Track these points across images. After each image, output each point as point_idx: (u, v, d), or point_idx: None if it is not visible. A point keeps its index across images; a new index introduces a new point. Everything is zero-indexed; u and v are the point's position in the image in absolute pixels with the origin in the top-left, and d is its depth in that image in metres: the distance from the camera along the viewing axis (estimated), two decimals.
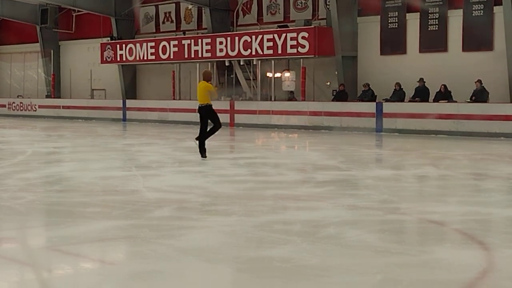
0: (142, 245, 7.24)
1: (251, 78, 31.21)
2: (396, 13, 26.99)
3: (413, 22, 26.62)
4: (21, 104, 39.90)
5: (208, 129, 15.78)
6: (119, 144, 21.45)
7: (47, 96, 40.15)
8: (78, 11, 38.08)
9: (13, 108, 40.20)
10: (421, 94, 25.12)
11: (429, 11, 26.06)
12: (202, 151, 15.65)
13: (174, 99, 33.05)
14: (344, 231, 7.91)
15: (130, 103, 34.48)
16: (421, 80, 25.20)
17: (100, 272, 6.43)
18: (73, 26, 39.42)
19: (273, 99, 29.71)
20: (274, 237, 7.68)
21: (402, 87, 25.76)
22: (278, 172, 13.77)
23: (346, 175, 13.24)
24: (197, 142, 15.69)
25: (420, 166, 15.19)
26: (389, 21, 27.20)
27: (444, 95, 24.48)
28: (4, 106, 40.76)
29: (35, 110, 38.85)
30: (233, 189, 11.30)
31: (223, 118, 27.79)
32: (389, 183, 12.31)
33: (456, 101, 24.16)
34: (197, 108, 15.80)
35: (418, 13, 26.34)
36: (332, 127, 25.98)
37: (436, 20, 25.90)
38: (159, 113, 32.27)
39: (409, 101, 25.29)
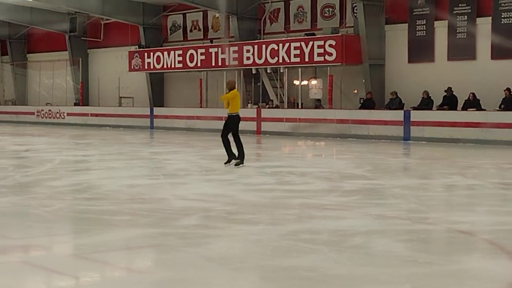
0: (169, 253, 7.26)
1: (278, 86, 31.21)
2: (424, 21, 26.87)
3: (441, 30, 26.47)
4: (50, 112, 40.21)
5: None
6: (146, 152, 21.53)
7: (76, 104, 40.43)
8: (107, 19, 38.33)
9: (42, 115, 40.52)
10: (449, 102, 24.98)
11: (457, 19, 25.91)
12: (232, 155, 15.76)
13: (201, 107, 33.15)
14: (371, 241, 7.87)
15: (157, 110, 34.62)
16: (449, 89, 25.05)
17: (127, 280, 6.45)
18: (102, 34, 39.67)
19: (300, 107, 29.69)
20: (301, 246, 7.66)
21: (430, 95, 25.63)
22: (305, 181, 13.74)
23: (373, 184, 13.17)
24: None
25: (448, 175, 15.09)
26: (417, 29, 27.08)
27: (473, 103, 24.31)
28: (33, 113, 41.11)
29: (64, 118, 39.13)
30: (259, 197, 11.30)
31: (250, 125, 28.02)
32: (417, 192, 12.23)
33: (484, 109, 23.98)
34: (237, 116, 15.78)
35: (446, 21, 26.18)
36: (359, 135, 25.90)
37: (465, 28, 25.74)
38: (186, 121, 32.37)
39: (437, 109, 25.15)
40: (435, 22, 26.63)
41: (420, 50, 27.03)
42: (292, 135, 27.64)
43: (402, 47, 27.51)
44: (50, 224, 9.20)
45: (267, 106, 30.52)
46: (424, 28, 26.92)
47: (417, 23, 27.07)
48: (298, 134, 27.09)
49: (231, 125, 15.84)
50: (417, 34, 27.12)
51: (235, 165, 15.67)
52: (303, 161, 19.26)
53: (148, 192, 11.84)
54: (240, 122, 16.01)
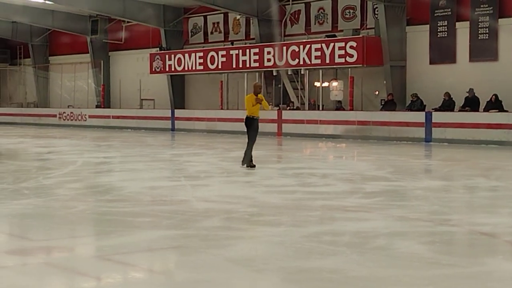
0: (191, 255, 7.28)
1: (299, 88, 31.19)
2: (446, 22, 26.76)
3: (462, 31, 26.34)
4: (72, 114, 40.43)
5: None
6: (167, 154, 21.59)
7: (97, 106, 40.63)
8: (128, 22, 38.48)
9: (64, 118, 40.74)
10: (471, 103, 24.85)
11: (479, 20, 25.77)
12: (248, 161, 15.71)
13: (222, 109, 33.20)
14: (393, 242, 7.85)
15: (178, 113, 34.70)
16: (471, 90, 24.92)
17: (150, 281, 6.47)
18: (123, 36, 39.83)
19: (321, 108, 29.65)
20: (323, 247, 7.66)
21: (451, 96, 25.51)
22: (326, 183, 13.72)
23: (395, 186, 13.13)
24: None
25: (470, 176, 15.03)
26: (438, 30, 26.97)
27: (495, 104, 24.16)
28: (54, 116, 41.34)
29: (85, 120, 39.33)
30: (281, 199, 11.29)
31: (271, 127, 28.04)
32: (439, 194, 12.17)
33: (507, 111, 23.83)
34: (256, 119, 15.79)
35: (468, 22, 26.05)
36: (380, 136, 25.82)
37: (486, 29, 25.60)
38: (207, 123, 32.42)
39: (459, 110, 25.03)
40: (456, 23, 26.50)
41: (442, 51, 26.91)
42: (313, 136, 27.59)
43: (424, 48, 27.41)
44: (72, 225, 9.25)
45: (288, 108, 30.51)
46: (446, 29, 26.80)
47: (438, 24, 26.96)
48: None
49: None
50: (438, 35, 27.00)
51: (244, 165, 15.69)
52: (324, 163, 19.23)
53: (169, 194, 11.87)
54: (259, 124, 16.01)
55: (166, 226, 9.06)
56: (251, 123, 15.78)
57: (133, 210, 10.19)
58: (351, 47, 27.38)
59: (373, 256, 7.22)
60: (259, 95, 15.74)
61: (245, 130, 16.03)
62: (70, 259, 7.30)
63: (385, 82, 27.92)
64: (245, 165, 15.71)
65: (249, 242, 7.92)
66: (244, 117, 15.96)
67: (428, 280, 6.30)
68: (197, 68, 33.85)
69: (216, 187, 12.94)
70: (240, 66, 31.77)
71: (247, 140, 15.83)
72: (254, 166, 15.60)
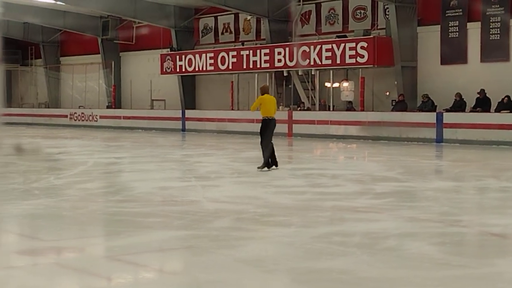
0: (202, 255, 7.29)
1: (309, 88, 31.17)
2: (457, 22, 26.69)
3: (474, 31, 26.26)
4: (83, 115, 40.54)
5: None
6: (178, 155, 21.62)
7: (108, 107, 40.72)
8: (139, 22, 38.57)
9: (75, 118, 40.86)
10: (482, 104, 24.77)
11: (491, 20, 25.69)
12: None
13: (232, 109, 33.21)
14: (404, 243, 7.83)
15: (189, 113, 34.74)
16: (482, 91, 24.84)
17: (160, 281, 6.48)
18: (134, 37, 39.90)
19: (331, 109, 29.63)
20: (333, 248, 7.65)
21: (462, 97, 25.44)
22: (336, 183, 13.71)
23: (405, 187, 13.11)
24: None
25: (481, 177, 14.99)
26: (450, 31, 26.90)
27: (506, 105, 24.07)
28: (65, 116, 41.46)
29: (96, 121, 39.43)
30: (291, 200, 11.29)
31: (282, 128, 28.00)
32: (450, 195, 12.15)
33: None
34: (269, 119, 15.66)
35: (479, 22, 25.98)
36: (391, 137, 25.78)
37: (498, 29, 25.52)
38: (218, 123, 32.44)
39: (470, 111, 24.95)
40: (468, 23, 26.43)
41: (453, 52, 26.84)
42: (324, 137, 27.58)
43: (435, 49, 27.34)
44: (83, 226, 9.28)
45: (299, 109, 30.49)
46: (457, 30, 26.73)
47: (449, 25, 26.89)
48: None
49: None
50: (449, 36, 26.93)
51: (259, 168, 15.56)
52: (335, 164, 19.22)
53: (180, 194, 11.89)
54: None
55: (176, 226, 9.08)
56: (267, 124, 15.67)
57: (143, 211, 10.20)
58: (362, 47, 27.35)
59: (383, 257, 7.21)
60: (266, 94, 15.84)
61: (257, 131, 15.99)
62: (81, 259, 7.31)
63: (396, 82, 27.87)
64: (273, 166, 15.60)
65: (260, 243, 7.92)
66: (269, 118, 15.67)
67: (438, 281, 6.29)
68: (208, 68, 33.87)
69: (227, 188, 12.95)
70: (251, 66, 31.77)
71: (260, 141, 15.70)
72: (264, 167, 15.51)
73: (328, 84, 30.10)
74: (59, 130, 36.66)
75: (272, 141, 15.62)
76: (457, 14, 26.68)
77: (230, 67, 32.78)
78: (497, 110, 24.30)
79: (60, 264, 7.08)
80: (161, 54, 36.49)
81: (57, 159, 19.80)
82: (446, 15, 26.96)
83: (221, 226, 8.94)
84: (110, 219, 9.73)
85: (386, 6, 28.49)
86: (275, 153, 15.69)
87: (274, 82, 32.08)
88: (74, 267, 6.89)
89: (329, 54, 28.48)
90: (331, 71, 29.65)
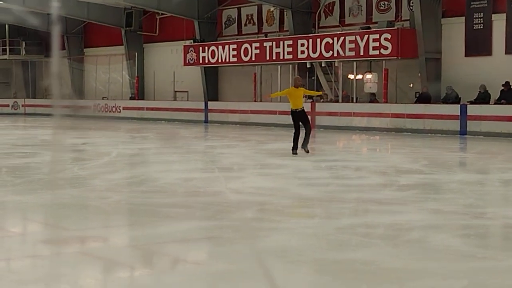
0: (225, 246, 7.31)
1: (333, 80, 31.09)
2: (482, 13, 26.47)
3: (499, 23, 26.04)
4: (106, 106, 40.72)
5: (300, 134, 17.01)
6: (201, 146, 21.67)
7: (131, 98, 40.85)
8: (162, 14, 38.64)
9: (98, 109, 41.05)
10: (507, 96, 24.58)
11: None
12: (296, 146, 16.80)
13: (255, 101, 33.19)
14: (428, 235, 7.81)
15: (212, 105, 34.79)
16: (507, 83, 24.65)
17: (184, 271, 6.51)
18: (157, 29, 39.99)
19: (354, 101, 29.55)
20: (357, 239, 7.64)
21: (487, 89, 25.26)
22: (360, 175, 13.68)
23: (429, 179, 13.05)
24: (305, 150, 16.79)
25: (506, 170, 14.90)
26: (474, 22, 26.69)
27: None
28: (89, 107, 41.64)
29: (120, 112, 39.59)
30: (314, 191, 11.28)
31: None
32: (474, 187, 12.09)
33: None
34: (295, 111, 17.01)
35: (504, 14, 25.75)
36: (414, 129, 25.67)
37: None
38: (240, 115, 32.45)
39: (495, 103, 24.78)
40: (492, 15, 26.21)
41: (477, 44, 26.64)
42: (347, 129, 27.51)
43: (459, 41, 27.15)
44: (107, 216, 9.33)
45: (322, 100, 30.43)
46: (482, 21, 26.52)
47: (474, 16, 26.69)
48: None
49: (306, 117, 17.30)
50: (474, 27, 26.73)
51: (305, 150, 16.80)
52: (358, 156, 19.18)
53: (203, 185, 11.92)
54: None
55: (200, 217, 9.10)
56: (298, 115, 16.99)
57: (167, 201, 10.25)
58: (385, 39, 27.22)
59: (407, 248, 7.20)
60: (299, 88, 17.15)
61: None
62: (105, 248, 7.36)
63: (419, 74, 27.72)
64: (303, 148, 16.78)
65: (283, 234, 7.92)
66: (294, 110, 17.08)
67: (462, 273, 6.27)
68: (231, 60, 33.86)
69: (250, 179, 12.97)
70: (274, 58, 31.73)
71: (294, 131, 16.95)
72: (307, 151, 16.79)
73: (351, 76, 29.99)
74: (83, 121, 36.84)
75: (301, 130, 16.96)
76: (482, 5, 26.45)
77: (253, 59, 32.75)
78: None
79: (84, 253, 7.13)
80: (184, 46, 36.52)
81: (82, 149, 19.92)
82: (471, 6, 26.75)
83: (245, 217, 8.96)
84: (134, 209, 9.77)
85: None
86: (297, 141, 16.85)
87: (297, 74, 32.00)
88: (99, 256, 6.94)
89: (353, 45, 28.38)
90: (355, 63, 29.54)
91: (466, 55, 27.05)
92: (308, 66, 31.13)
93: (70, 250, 7.25)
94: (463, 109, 24.69)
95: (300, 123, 16.98)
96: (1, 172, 13.82)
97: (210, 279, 6.13)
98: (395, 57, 27.31)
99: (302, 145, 16.74)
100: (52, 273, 6.33)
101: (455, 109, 24.97)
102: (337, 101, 30.13)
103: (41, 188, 11.54)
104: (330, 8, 31.82)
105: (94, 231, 8.29)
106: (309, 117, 17.75)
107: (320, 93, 19.36)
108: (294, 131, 16.97)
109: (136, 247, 7.38)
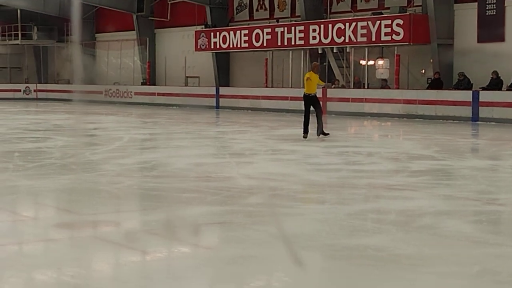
0: (237, 231, 7.32)
1: (344, 66, 31.01)
2: None
3: None
4: (118, 91, 40.77)
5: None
6: (212, 131, 21.68)
7: (143, 83, 40.88)
8: None
9: (110, 95, 41.10)
10: None
11: None
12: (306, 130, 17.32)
13: (266, 86, 33.15)
14: (440, 221, 7.79)
15: (223, 90, 34.78)
16: None
17: (196, 256, 6.53)
18: (168, 14, 39.92)
19: (366, 87, 29.46)
20: (368, 225, 7.65)
21: (499, 75, 25.13)
22: (372, 161, 13.65)
23: (441, 165, 13.01)
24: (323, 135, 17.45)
25: None
26: (487, 8, 26.51)
27: None
28: (101, 93, 41.69)
29: (131, 97, 39.64)
30: (325, 177, 11.28)
31: None
32: (486, 174, 12.05)
33: None
34: (308, 95, 17.49)
35: None
36: (426, 115, 25.60)
37: None
38: (252, 100, 32.43)
39: (507, 89, 24.66)
40: (505, 0, 26.04)
41: (490, 29, 26.46)
42: (358, 115, 27.46)
43: (472, 27, 26.99)
44: (119, 200, 9.36)
45: (333, 86, 30.34)
46: (494, 7, 26.34)
47: (487, 2, 26.50)
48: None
49: (318, 102, 17.83)
50: (487, 13, 26.56)
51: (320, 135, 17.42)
52: (369, 142, 19.14)
53: (215, 170, 11.94)
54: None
55: (211, 202, 9.11)
56: (311, 100, 17.45)
57: (179, 186, 10.27)
58: (397, 24, 27.09)
59: (419, 234, 7.19)
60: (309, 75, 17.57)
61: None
62: (117, 233, 7.39)
63: (431, 60, 27.61)
64: (320, 135, 17.34)
65: (294, 219, 7.93)
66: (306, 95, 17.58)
67: (474, 259, 6.26)
68: (242, 45, 33.78)
69: (261, 165, 12.97)
70: (285, 43, 31.63)
71: (304, 115, 17.51)
72: (327, 134, 17.54)
73: (363, 62, 29.89)
74: (95, 106, 36.88)
75: (310, 114, 17.47)
76: None
77: (265, 44, 32.67)
78: None
79: (96, 237, 7.16)
80: (195, 31, 36.46)
81: (93, 134, 19.96)
82: None
83: (256, 203, 8.97)
84: (146, 194, 9.80)
85: None
86: (308, 125, 17.38)
87: (309, 60, 31.91)
88: (111, 240, 6.97)
89: (364, 31, 28.25)
90: (366, 49, 29.43)
91: (478, 41, 26.89)
92: (319, 52, 31.03)
93: (83, 234, 7.28)
94: (475, 95, 24.58)
95: (312, 108, 17.22)
96: (13, 156, 13.87)
97: (222, 264, 6.14)
98: (407, 43, 27.19)
99: (318, 133, 17.21)
100: (64, 257, 6.35)
101: (467, 95, 24.87)
102: (349, 87, 30.05)
103: (54, 172, 11.57)
104: None
105: (106, 215, 8.32)
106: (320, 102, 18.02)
107: (323, 83, 19.66)
108: (304, 115, 17.43)
109: (148, 232, 7.40)
